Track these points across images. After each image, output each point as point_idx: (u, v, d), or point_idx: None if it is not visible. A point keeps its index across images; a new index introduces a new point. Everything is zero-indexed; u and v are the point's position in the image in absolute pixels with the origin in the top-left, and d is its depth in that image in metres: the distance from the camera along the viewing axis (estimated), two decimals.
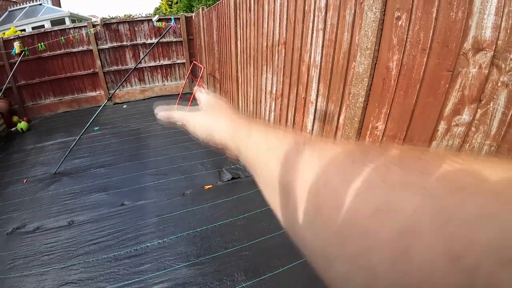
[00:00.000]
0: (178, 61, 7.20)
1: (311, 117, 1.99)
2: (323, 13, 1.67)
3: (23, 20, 11.60)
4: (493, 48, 0.84)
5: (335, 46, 1.60)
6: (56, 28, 6.08)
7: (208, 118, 0.37)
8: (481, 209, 0.12)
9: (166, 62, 7.12)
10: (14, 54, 5.67)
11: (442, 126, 1.04)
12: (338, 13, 1.54)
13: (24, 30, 8.98)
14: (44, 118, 6.21)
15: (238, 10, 3.35)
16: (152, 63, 7.01)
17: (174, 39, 6.95)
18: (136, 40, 6.70)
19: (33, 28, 9.75)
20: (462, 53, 0.93)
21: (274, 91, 2.58)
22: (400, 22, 1.16)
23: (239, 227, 2.32)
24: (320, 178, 0.19)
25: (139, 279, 1.89)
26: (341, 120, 1.66)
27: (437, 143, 1.06)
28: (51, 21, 11.40)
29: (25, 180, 3.31)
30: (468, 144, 0.95)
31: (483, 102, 0.89)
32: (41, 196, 2.96)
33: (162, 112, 0.42)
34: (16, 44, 5.60)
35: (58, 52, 6.13)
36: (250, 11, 2.93)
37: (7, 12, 12.81)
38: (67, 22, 11.60)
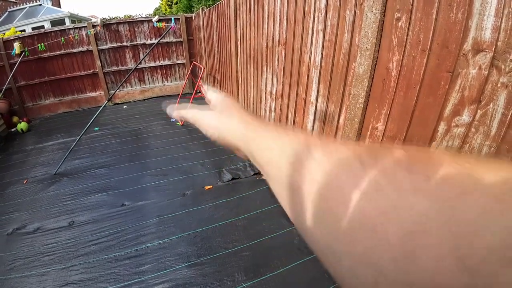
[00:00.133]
0: (178, 62, 7.20)
1: (311, 117, 2.00)
2: (323, 14, 1.67)
3: (23, 20, 11.60)
4: (493, 49, 0.84)
5: (335, 47, 1.61)
6: (56, 28, 6.08)
7: (220, 118, 0.37)
8: (484, 211, 0.12)
9: (166, 62, 7.12)
10: (14, 55, 5.67)
11: (442, 126, 1.04)
12: (338, 14, 1.54)
13: (24, 30, 8.99)
14: (44, 118, 6.21)
15: (238, 11, 3.36)
16: (152, 64, 7.02)
17: (174, 40, 6.96)
18: (136, 41, 6.70)
19: (33, 29, 9.75)
20: (462, 54, 0.93)
21: (274, 92, 2.59)
22: (400, 23, 1.17)
23: (240, 228, 2.32)
24: (330, 179, 0.19)
25: (140, 279, 1.89)
26: (341, 121, 1.66)
27: (437, 143, 1.07)
28: (51, 22, 11.40)
29: (25, 181, 3.31)
30: (468, 144, 0.96)
31: (482, 103, 0.89)
32: (41, 197, 2.96)
33: (175, 112, 0.42)
34: (16, 45, 5.60)
35: (58, 52, 6.13)
36: (250, 12, 2.93)
37: (7, 12, 12.81)
38: (67, 22, 11.60)
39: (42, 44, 5.85)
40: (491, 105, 0.87)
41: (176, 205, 2.66)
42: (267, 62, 2.66)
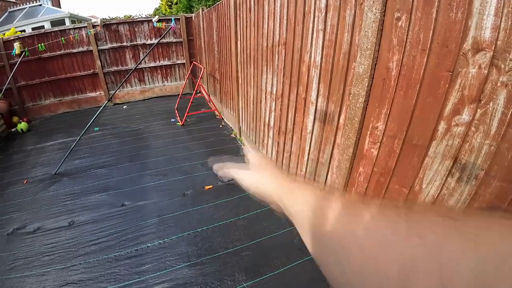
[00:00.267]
0: (178, 62, 7.21)
1: (311, 117, 2.00)
2: (323, 14, 1.67)
3: (23, 20, 11.60)
4: (493, 48, 0.85)
5: (335, 46, 1.61)
6: (56, 28, 6.09)
7: (257, 176, 0.43)
8: (462, 249, 0.17)
9: (166, 62, 7.12)
10: (14, 55, 5.67)
11: (442, 126, 1.04)
12: (338, 14, 1.54)
13: (24, 30, 8.99)
14: (44, 118, 6.21)
15: (238, 11, 3.36)
16: (152, 64, 7.02)
17: (174, 40, 6.96)
18: (136, 41, 6.71)
19: (33, 29, 9.75)
20: (461, 53, 0.94)
21: (274, 92, 2.59)
22: (400, 23, 1.17)
23: (240, 227, 2.32)
24: (349, 232, 0.25)
25: (140, 279, 1.90)
26: (341, 120, 1.66)
27: (437, 143, 1.07)
28: (51, 22, 11.40)
29: (25, 181, 3.31)
30: (468, 144, 0.96)
31: (482, 102, 0.89)
32: (41, 197, 2.96)
33: (221, 171, 0.49)
34: (16, 45, 5.60)
35: (58, 52, 6.14)
36: (250, 12, 2.94)
37: (7, 12, 12.81)
38: (67, 22, 11.60)
39: (42, 44, 5.85)
40: (491, 104, 0.87)
41: (176, 205, 2.66)
42: (267, 62, 2.66)
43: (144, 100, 7.09)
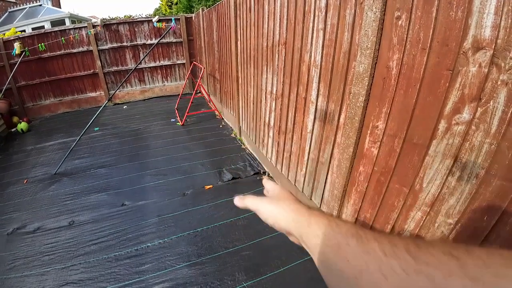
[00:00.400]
0: (178, 62, 7.21)
1: (311, 117, 2.00)
2: (323, 13, 1.67)
3: (23, 20, 11.61)
4: (493, 47, 0.85)
5: (335, 46, 1.61)
6: (56, 28, 6.09)
7: (275, 209, 0.44)
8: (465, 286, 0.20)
9: (166, 62, 7.13)
10: (14, 55, 5.68)
11: (442, 125, 1.04)
12: (338, 13, 1.54)
13: (24, 30, 9.00)
14: (44, 118, 6.21)
15: (238, 11, 3.36)
16: (152, 64, 7.02)
17: (174, 40, 6.96)
18: (136, 41, 6.71)
19: (33, 29, 9.75)
20: (462, 52, 0.94)
21: (274, 91, 2.59)
22: (400, 22, 1.17)
23: (240, 227, 2.32)
24: (363, 269, 0.27)
25: (140, 279, 1.89)
26: (341, 120, 1.66)
27: (438, 141, 1.07)
28: (51, 22, 11.40)
29: (25, 181, 3.31)
30: (468, 142, 0.96)
31: (483, 100, 0.89)
32: (41, 197, 2.96)
33: (240, 202, 0.50)
34: (16, 45, 5.60)
35: (58, 52, 6.14)
36: (250, 12, 2.94)
37: (7, 13, 12.81)
38: (67, 22, 11.61)
39: (42, 44, 5.85)
40: (491, 103, 0.87)
41: (176, 205, 2.66)
42: (267, 62, 2.66)
43: (144, 100, 7.10)
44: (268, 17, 2.49)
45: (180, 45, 7.07)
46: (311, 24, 1.83)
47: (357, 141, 1.52)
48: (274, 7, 2.32)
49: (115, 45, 6.55)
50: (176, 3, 15.69)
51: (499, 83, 0.84)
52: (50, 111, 6.46)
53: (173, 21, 6.62)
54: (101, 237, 2.29)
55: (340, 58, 1.58)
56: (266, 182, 0.54)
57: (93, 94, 6.81)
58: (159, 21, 6.62)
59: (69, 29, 6.16)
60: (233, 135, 4.35)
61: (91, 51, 6.38)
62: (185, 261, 2.02)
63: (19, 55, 5.68)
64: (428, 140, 1.11)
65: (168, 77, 7.32)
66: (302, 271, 1.89)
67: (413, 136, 1.18)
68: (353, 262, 0.28)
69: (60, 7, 17.35)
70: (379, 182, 1.41)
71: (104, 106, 4.08)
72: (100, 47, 6.43)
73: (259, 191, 0.46)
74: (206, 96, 5.78)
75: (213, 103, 5.52)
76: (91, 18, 14.47)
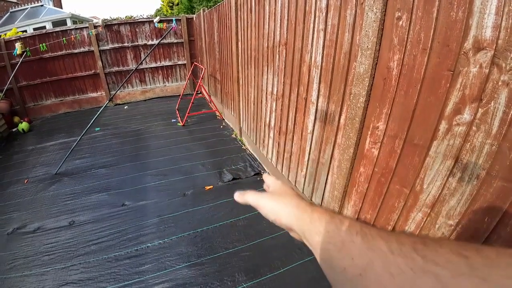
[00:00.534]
0: (179, 62, 7.22)
1: (312, 117, 2.00)
2: (324, 14, 1.67)
3: (24, 21, 11.64)
4: (494, 47, 0.84)
5: (336, 46, 1.61)
6: (57, 29, 6.11)
7: (276, 202, 0.43)
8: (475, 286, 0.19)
9: (167, 63, 7.14)
10: (15, 55, 5.69)
11: (443, 125, 1.04)
12: (339, 14, 1.54)
13: (25, 31, 9.04)
14: (45, 118, 6.23)
15: (239, 11, 3.36)
16: (153, 64, 7.03)
17: (175, 40, 6.97)
18: (137, 41, 6.72)
19: (34, 29, 9.78)
20: (462, 52, 0.93)
21: (275, 92, 2.59)
22: (400, 22, 1.16)
23: (240, 228, 2.32)
24: (369, 268, 0.26)
25: (140, 279, 1.89)
26: (342, 120, 1.66)
27: (438, 142, 1.06)
28: (52, 22, 11.43)
29: (26, 181, 3.32)
30: (469, 143, 0.95)
31: (484, 101, 0.89)
32: (41, 197, 2.96)
33: (240, 198, 0.48)
34: (18, 45, 5.62)
35: (60, 53, 6.16)
36: (251, 12, 2.94)
37: (8, 13, 12.85)
38: (69, 23, 11.64)
39: (43, 44, 5.87)
40: (492, 104, 0.87)
41: (176, 205, 2.66)
42: (268, 63, 2.66)
43: (145, 100, 7.11)
44: (269, 18, 2.49)
45: (181, 45, 7.08)
46: (311, 25, 1.83)
47: (358, 142, 1.51)
48: (275, 8, 2.32)
49: (116, 45, 6.56)
50: (177, 4, 15.73)
51: (500, 83, 0.84)
52: (51, 111, 6.48)
53: (174, 21, 6.63)
54: (101, 237, 2.29)
55: (340, 58, 1.58)
56: (266, 177, 0.52)
57: (94, 95, 6.82)
58: (160, 21, 6.63)
59: (71, 29, 6.18)
60: (233, 135, 4.35)
61: (92, 51, 6.39)
62: (185, 261, 2.02)
63: (20, 55, 5.70)
64: (428, 141, 1.10)
65: (169, 78, 7.33)
66: (303, 272, 1.88)
67: (413, 137, 1.18)
68: (358, 260, 0.27)
69: (61, 8, 17.39)
70: (380, 183, 1.41)
71: (105, 106, 4.09)
72: (101, 48, 6.44)
73: (260, 191, 0.46)
74: (207, 97, 5.78)
75: (213, 103, 5.53)
76: (93, 19, 14.51)
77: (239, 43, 3.54)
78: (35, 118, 6.16)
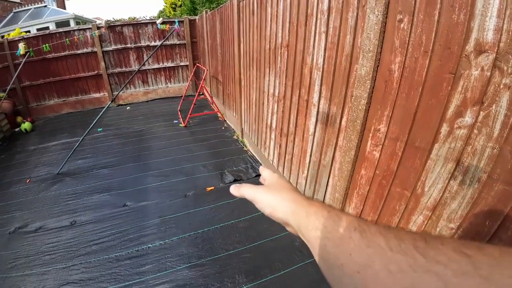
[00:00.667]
0: (182, 64, 7.24)
1: (313, 119, 2.00)
2: (326, 16, 1.68)
3: (28, 21, 11.71)
4: (495, 50, 0.84)
5: (338, 48, 1.61)
6: (61, 29, 6.15)
7: (272, 196, 0.42)
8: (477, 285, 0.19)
9: (170, 64, 7.16)
10: (18, 55, 5.73)
11: (444, 128, 1.03)
12: (341, 16, 1.54)
13: (29, 31, 9.08)
14: (48, 118, 6.26)
15: (241, 13, 3.37)
16: (156, 65, 7.06)
17: (178, 42, 7.00)
18: (140, 43, 6.75)
19: (38, 30, 9.84)
20: (464, 55, 0.93)
21: (276, 94, 2.59)
22: (402, 25, 1.17)
23: (241, 229, 2.32)
24: (367, 265, 0.26)
25: (140, 279, 1.89)
26: (343, 123, 1.66)
27: (440, 145, 1.06)
28: (55, 23, 11.49)
29: (28, 180, 3.33)
30: (470, 146, 0.95)
31: (485, 104, 0.89)
32: (43, 196, 2.97)
33: (236, 191, 0.48)
34: (21, 45, 5.66)
35: (63, 53, 6.19)
36: (253, 14, 2.95)
37: (12, 13, 12.93)
38: (72, 24, 11.70)
39: (47, 44, 5.91)
40: (493, 107, 0.87)
41: (177, 206, 2.66)
42: (269, 64, 2.66)
43: (148, 101, 7.13)
44: (270, 20, 2.49)
45: (183, 47, 7.11)
46: (313, 27, 1.83)
47: (359, 144, 1.51)
48: (277, 10, 2.33)
49: (119, 46, 6.59)
50: (180, 6, 15.79)
51: (501, 86, 0.84)
52: (54, 111, 6.51)
53: (177, 23, 6.65)
54: (102, 238, 2.30)
55: (342, 61, 1.59)
56: (262, 169, 0.51)
57: (96, 95, 6.85)
58: (163, 23, 6.66)
59: (74, 30, 6.22)
60: (235, 137, 4.35)
61: (95, 52, 6.42)
62: (186, 262, 2.02)
63: (24, 55, 5.73)
64: (430, 143, 1.10)
65: (171, 79, 7.35)
66: (303, 274, 1.88)
67: (415, 140, 1.18)
68: (357, 256, 0.27)
69: (65, 8, 17.50)
70: (381, 185, 1.41)
71: (108, 107, 4.11)
72: (104, 49, 6.47)
73: (256, 185, 0.46)
74: (209, 98, 5.80)
75: (215, 105, 5.54)
76: (96, 20, 14.57)
77: (241, 44, 3.55)
78: (38, 118, 6.19)
